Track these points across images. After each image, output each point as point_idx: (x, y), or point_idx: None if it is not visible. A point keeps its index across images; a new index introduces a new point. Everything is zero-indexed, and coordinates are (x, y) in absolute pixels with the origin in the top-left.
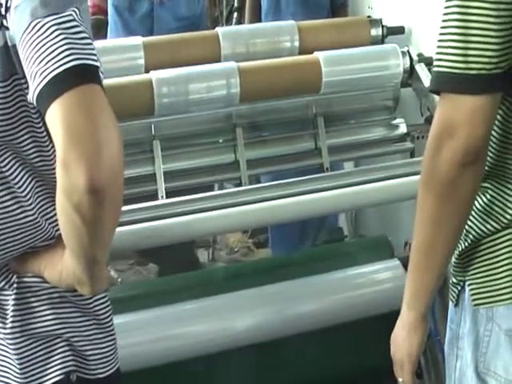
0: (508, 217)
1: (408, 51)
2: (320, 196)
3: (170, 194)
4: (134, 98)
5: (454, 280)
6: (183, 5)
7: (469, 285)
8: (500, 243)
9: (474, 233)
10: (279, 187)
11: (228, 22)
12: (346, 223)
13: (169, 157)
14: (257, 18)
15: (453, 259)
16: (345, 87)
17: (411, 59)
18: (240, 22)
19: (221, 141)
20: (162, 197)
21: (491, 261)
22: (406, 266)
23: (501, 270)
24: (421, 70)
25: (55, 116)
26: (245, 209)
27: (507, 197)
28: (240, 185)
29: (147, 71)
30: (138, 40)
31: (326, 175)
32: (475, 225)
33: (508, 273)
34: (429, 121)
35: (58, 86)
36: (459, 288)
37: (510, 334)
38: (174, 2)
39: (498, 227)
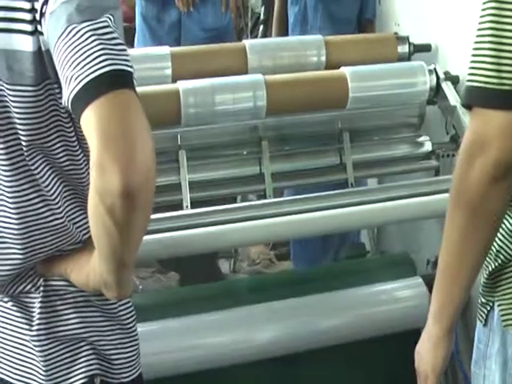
0: None
1: (435, 69)
2: (343, 212)
3: (194, 204)
4: (161, 107)
5: (483, 300)
6: (210, 16)
7: (498, 305)
8: None
9: (504, 253)
10: (303, 201)
11: (253, 33)
12: (368, 239)
13: (194, 167)
14: (283, 31)
15: (482, 279)
16: (371, 103)
17: (437, 77)
18: (266, 34)
19: (246, 153)
20: (187, 206)
21: None
22: (428, 285)
23: None
24: (447, 88)
25: (90, 119)
26: (268, 222)
27: None
28: (264, 197)
29: (174, 81)
30: (165, 50)
31: (349, 191)
32: (506, 245)
33: None
34: (454, 139)
35: (93, 90)
36: (488, 308)
37: None
38: (201, 13)
39: None
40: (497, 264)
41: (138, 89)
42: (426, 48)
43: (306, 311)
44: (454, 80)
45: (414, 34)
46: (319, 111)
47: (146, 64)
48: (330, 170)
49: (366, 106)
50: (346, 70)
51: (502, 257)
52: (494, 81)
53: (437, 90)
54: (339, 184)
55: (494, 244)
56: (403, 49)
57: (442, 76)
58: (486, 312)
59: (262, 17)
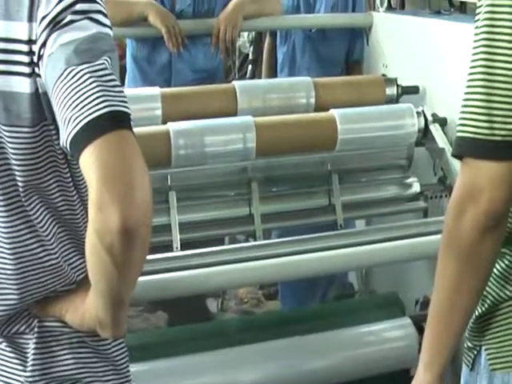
0: None
1: (423, 111)
2: (333, 254)
3: (184, 244)
4: (151, 148)
5: (470, 344)
6: (201, 57)
7: (486, 349)
8: None
9: (491, 298)
10: (292, 243)
11: (240, 72)
12: (357, 279)
13: (184, 208)
14: (273, 71)
15: (469, 324)
16: (360, 145)
17: (426, 119)
18: (254, 73)
19: (235, 194)
20: (177, 247)
21: (509, 326)
22: (416, 325)
23: None
24: (435, 130)
25: (89, 160)
26: (258, 264)
27: None
28: (254, 238)
29: (164, 122)
30: (155, 90)
31: (338, 233)
32: (493, 290)
33: None
34: (442, 181)
35: (92, 131)
36: (475, 352)
37: None
38: (191, 54)
39: None
40: (484, 309)
41: None
42: (413, 90)
43: (294, 352)
44: (442, 122)
45: (401, 76)
46: (308, 153)
47: (137, 105)
48: (319, 212)
49: (355, 147)
50: (335, 113)
51: (488, 301)
52: (485, 131)
53: (425, 132)
54: (328, 225)
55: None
56: (391, 91)
57: (429, 118)
58: (472, 356)
59: (250, 56)
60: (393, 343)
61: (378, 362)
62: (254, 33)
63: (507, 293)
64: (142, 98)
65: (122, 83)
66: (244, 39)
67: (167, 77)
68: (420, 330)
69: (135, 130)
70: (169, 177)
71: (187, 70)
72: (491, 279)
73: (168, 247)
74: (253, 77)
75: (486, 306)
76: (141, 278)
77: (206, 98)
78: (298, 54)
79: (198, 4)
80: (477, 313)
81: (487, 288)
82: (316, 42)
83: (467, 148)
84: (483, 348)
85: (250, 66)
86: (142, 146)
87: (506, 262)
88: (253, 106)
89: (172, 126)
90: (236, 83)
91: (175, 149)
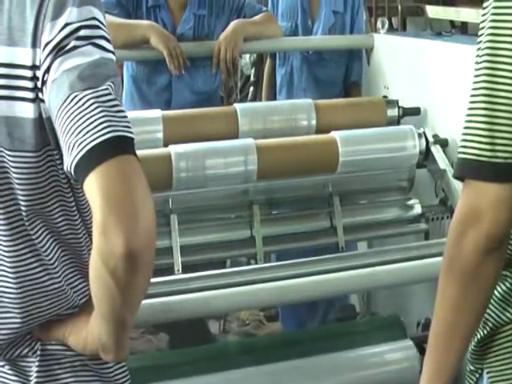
0: None
1: (424, 133)
2: (334, 277)
3: (185, 267)
4: (153, 171)
5: (472, 367)
6: (201, 79)
7: (487, 372)
8: None
9: (492, 321)
10: (294, 266)
11: (242, 93)
12: (358, 301)
13: (185, 230)
14: (273, 93)
15: (470, 347)
16: (361, 167)
17: (427, 140)
18: (256, 95)
19: (236, 216)
20: (179, 270)
21: (510, 349)
22: (418, 347)
23: None
24: (436, 151)
25: (94, 185)
26: (259, 287)
27: None
28: (255, 261)
29: (166, 145)
30: (157, 113)
31: (339, 256)
32: (494, 313)
33: None
34: (444, 202)
35: (96, 156)
36: (477, 375)
37: None
38: (191, 76)
39: None
40: (485, 332)
41: None
42: (415, 112)
43: (295, 375)
44: (443, 143)
45: (402, 98)
46: (310, 175)
47: (138, 127)
48: (321, 234)
49: (356, 169)
50: (336, 135)
51: (490, 324)
52: (487, 154)
53: (426, 154)
54: (329, 247)
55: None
56: (392, 112)
57: (431, 139)
58: (474, 379)
59: (252, 78)
60: (395, 365)
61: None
62: (255, 55)
63: (508, 315)
64: (144, 121)
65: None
66: (246, 61)
67: (167, 98)
68: (422, 352)
69: (137, 152)
70: (170, 200)
71: (187, 91)
72: (492, 302)
73: (169, 270)
74: (254, 98)
75: (488, 329)
76: (143, 301)
77: (208, 121)
78: (296, 76)
79: (199, 27)
80: (478, 336)
81: (488, 311)
82: (313, 63)
83: (469, 170)
84: (485, 371)
85: (251, 88)
86: (144, 169)
87: (508, 285)
88: (254, 129)
89: (173, 149)
90: (237, 106)
91: (176, 171)
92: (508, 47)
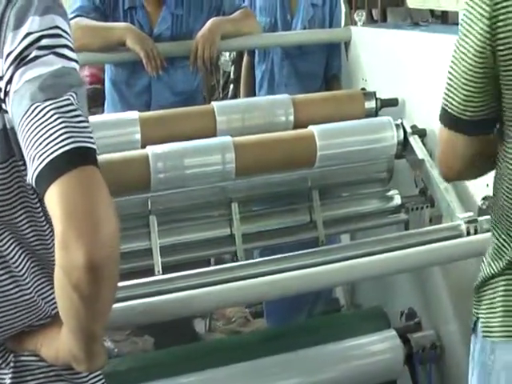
0: (502, 264)
1: (402, 123)
2: (316, 271)
3: (166, 268)
4: (131, 173)
5: (473, 311)
6: (180, 79)
7: (479, 318)
8: (496, 287)
9: (483, 273)
10: (275, 262)
11: (224, 90)
12: (343, 294)
13: (165, 231)
14: (251, 89)
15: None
16: (340, 160)
17: (405, 131)
18: (236, 92)
19: (216, 215)
20: (159, 271)
21: (491, 301)
22: (402, 337)
23: (497, 310)
24: (414, 142)
25: (54, 197)
26: (242, 284)
27: (506, 245)
28: (236, 259)
29: (143, 146)
30: (134, 115)
31: (320, 249)
32: (484, 266)
33: (501, 314)
34: (423, 192)
35: (56, 168)
36: (475, 319)
37: (506, 367)
38: (171, 77)
39: (496, 272)
40: (478, 281)
41: (108, 155)
42: (392, 103)
43: (282, 369)
44: (421, 133)
45: (381, 89)
46: (288, 171)
47: (115, 130)
48: (301, 229)
49: (335, 163)
50: (313, 129)
51: (482, 275)
52: (457, 110)
53: (404, 144)
54: (311, 242)
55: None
56: (370, 104)
57: (409, 130)
58: (473, 324)
59: (232, 75)
60: (379, 356)
61: (364, 374)
62: (234, 52)
63: (491, 270)
64: (121, 123)
65: (103, 105)
66: (226, 58)
67: (147, 100)
68: (405, 342)
69: (114, 155)
70: (149, 201)
71: (166, 92)
72: (486, 256)
73: (150, 271)
74: (235, 96)
75: (480, 279)
76: (123, 304)
77: (185, 120)
78: (277, 71)
79: (177, 26)
80: (475, 284)
81: (482, 264)
82: (294, 57)
83: (446, 120)
84: (480, 319)
85: (231, 85)
86: (122, 171)
87: (495, 242)
88: (232, 126)
89: (150, 150)
90: (214, 104)
91: (154, 172)
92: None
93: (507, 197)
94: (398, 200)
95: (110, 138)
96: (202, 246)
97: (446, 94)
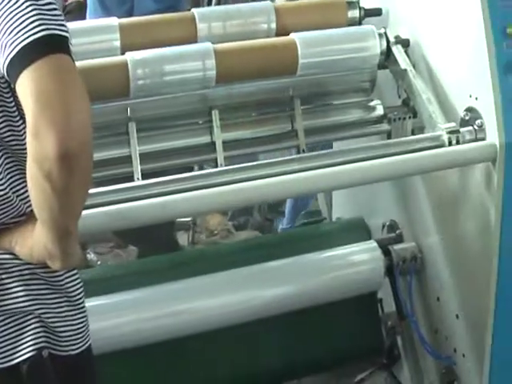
0: None
1: (385, 33)
2: (297, 177)
3: (145, 175)
4: (110, 79)
5: None
6: None
7: None
8: None
9: None
10: (257, 168)
11: (210, 4)
12: (326, 208)
13: (144, 139)
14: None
15: None
16: (321, 69)
17: (388, 41)
18: (219, 2)
19: (194, 122)
20: (138, 178)
21: None
22: (383, 248)
23: None
24: (397, 51)
25: (25, 85)
26: (220, 190)
27: None
28: (216, 167)
29: (123, 53)
30: (113, 21)
31: (302, 156)
32: None
33: None
34: (406, 103)
35: (27, 55)
36: None
37: None
38: None
39: None
40: None
41: (87, 61)
42: (376, 12)
43: (261, 278)
44: (405, 43)
45: None
46: (269, 78)
47: (95, 37)
48: (282, 137)
49: (317, 71)
50: (295, 36)
51: None
52: None
53: (387, 54)
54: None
55: None
56: (354, 13)
57: (392, 40)
58: None
59: None
60: (359, 266)
61: (345, 285)
62: None
63: None
64: (100, 30)
65: (84, 16)
66: None
67: (128, 8)
68: (386, 253)
69: (93, 61)
70: (128, 108)
71: (149, 0)
72: None
73: (130, 179)
74: (218, 4)
75: None
76: (101, 209)
77: (166, 27)
78: None
79: None
80: None
81: None
82: None
83: None
84: None
85: None
86: (101, 78)
87: None
88: (213, 33)
89: (130, 56)
90: (195, 10)
91: (134, 79)
92: None
93: None
94: (380, 110)
95: (89, 44)
96: (183, 153)
97: None
